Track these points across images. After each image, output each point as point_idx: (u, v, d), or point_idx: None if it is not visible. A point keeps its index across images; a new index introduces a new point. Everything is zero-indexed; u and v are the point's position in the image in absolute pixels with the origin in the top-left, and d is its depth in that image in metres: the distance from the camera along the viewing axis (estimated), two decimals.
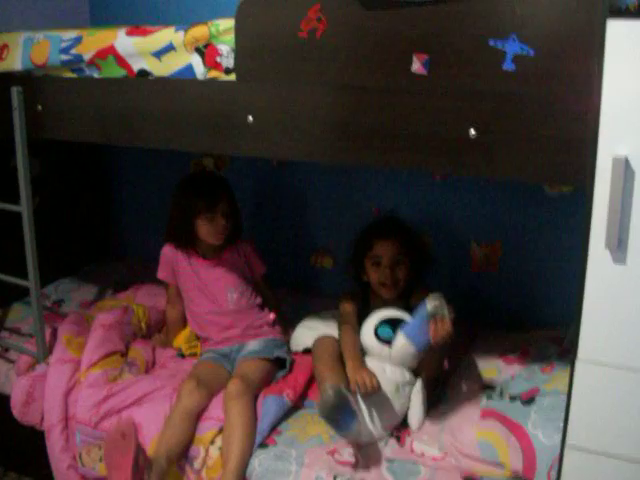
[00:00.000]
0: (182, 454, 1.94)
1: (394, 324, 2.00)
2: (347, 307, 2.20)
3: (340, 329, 2.14)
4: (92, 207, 3.21)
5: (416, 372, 2.01)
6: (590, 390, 1.38)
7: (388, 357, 1.96)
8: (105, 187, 3.28)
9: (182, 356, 2.41)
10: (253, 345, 2.27)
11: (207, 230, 2.28)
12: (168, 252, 2.39)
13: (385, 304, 2.13)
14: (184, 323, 2.47)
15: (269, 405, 2.02)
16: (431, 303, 1.82)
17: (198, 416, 2.00)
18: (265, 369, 2.16)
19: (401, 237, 2.18)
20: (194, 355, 2.38)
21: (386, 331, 1.99)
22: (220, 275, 2.33)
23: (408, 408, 1.96)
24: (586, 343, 1.35)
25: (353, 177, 2.66)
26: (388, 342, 1.96)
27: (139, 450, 1.90)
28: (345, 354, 2.02)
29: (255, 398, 2.04)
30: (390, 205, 2.56)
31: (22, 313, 2.68)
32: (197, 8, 2.72)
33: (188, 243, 2.34)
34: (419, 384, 1.95)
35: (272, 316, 2.38)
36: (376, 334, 2.01)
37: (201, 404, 2.02)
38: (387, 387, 1.94)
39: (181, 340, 2.45)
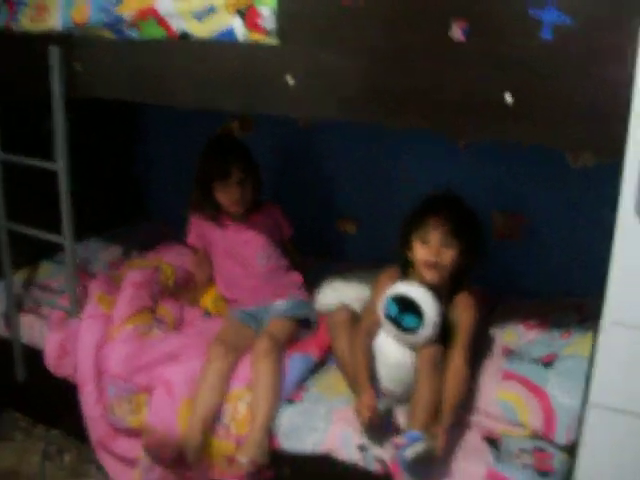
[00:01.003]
0: (216, 416, 1.99)
1: (403, 303, 1.92)
2: (381, 287, 2.03)
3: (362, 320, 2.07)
4: (119, 169, 3.24)
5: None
6: (614, 349, 1.41)
7: (389, 332, 1.97)
8: (133, 150, 3.32)
9: (209, 314, 2.47)
10: (280, 305, 2.33)
11: (223, 198, 2.31)
12: (197, 218, 2.43)
13: None
14: (212, 284, 2.53)
15: (295, 363, 2.09)
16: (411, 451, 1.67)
17: (228, 378, 2.05)
18: (292, 328, 2.23)
19: (457, 218, 1.98)
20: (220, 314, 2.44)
21: (392, 309, 1.94)
22: (249, 238, 2.37)
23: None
24: (612, 303, 1.39)
25: (379, 143, 2.68)
26: (393, 320, 1.93)
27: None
28: (357, 376, 1.94)
29: (282, 356, 2.10)
30: (413, 171, 2.60)
31: (51, 271, 2.72)
32: None
33: (212, 210, 2.36)
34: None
35: (299, 278, 2.43)
36: (385, 307, 1.97)
37: (230, 367, 2.07)
38: (385, 361, 1.97)
39: (208, 300, 2.51)
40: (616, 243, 1.36)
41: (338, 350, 2.07)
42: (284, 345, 2.14)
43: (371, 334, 2.01)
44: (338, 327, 2.09)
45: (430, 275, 1.97)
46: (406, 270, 2.07)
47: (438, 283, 1.98)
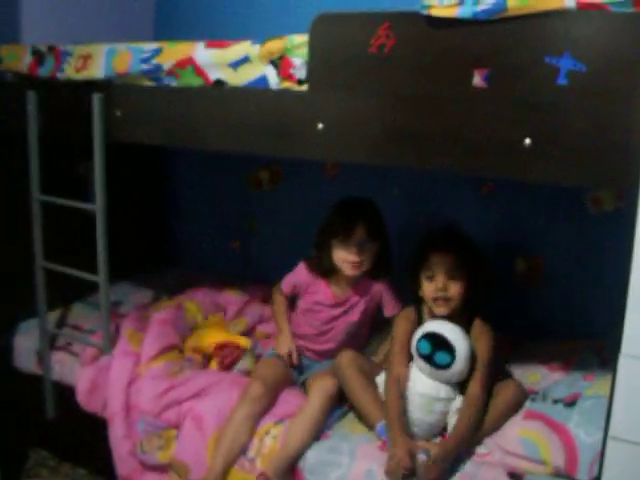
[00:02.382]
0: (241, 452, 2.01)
1: (434, 340, 1.96)
2: (401, 329, 2.10)
3: (387, 369, 2.09)
4: (147, 216, 3.33)
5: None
6: (633, 383, 1.44)
7: (423, 370, 2.00)
8: (160, 197, 3.40)
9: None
10: (326, 363, 2.31)
11: (339, 256, 2.21)
12: (303, 274, 2.36)
13: None
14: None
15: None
16: None
17: (259, 420, 2.05)
18: None
19: (458, 251, 2.03)
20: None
21: (424, 346, 1.97)
22: (344, 314, 2.32)
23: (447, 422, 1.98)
24: (630, 338, 1.42)
25: (403, 190, 2.76)
26: (425, 357, 1.98)
27: None
28: (387, 418, 1.96)
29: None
30: (436, 217, 2.67)
31: (83, 312, 2.79)
32: (255, 23, 2.93)
33: (326, 267, 2.27)
34: (459, 401, 1.96)
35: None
36: (417, 347, 2.01)
37: (264, 410, 2.07)
38: (417, 400, 1.98)
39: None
40: (632, 275, 1.39)
41: (348, 390, 2.08)
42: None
43: (401, 381, 2.01)
44: (344, 369, 2.09)
45: (441, 310, 2.03)
46: (419, 307, 2.14)
47: (449, 315, 2.03)
